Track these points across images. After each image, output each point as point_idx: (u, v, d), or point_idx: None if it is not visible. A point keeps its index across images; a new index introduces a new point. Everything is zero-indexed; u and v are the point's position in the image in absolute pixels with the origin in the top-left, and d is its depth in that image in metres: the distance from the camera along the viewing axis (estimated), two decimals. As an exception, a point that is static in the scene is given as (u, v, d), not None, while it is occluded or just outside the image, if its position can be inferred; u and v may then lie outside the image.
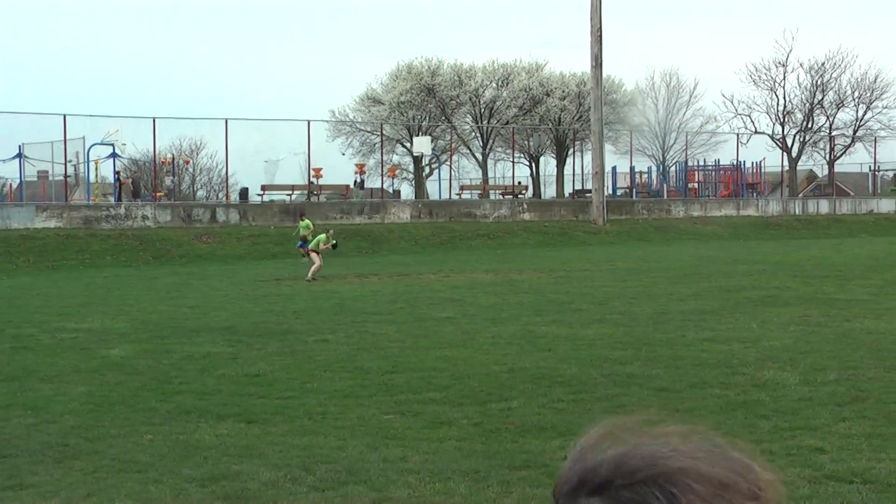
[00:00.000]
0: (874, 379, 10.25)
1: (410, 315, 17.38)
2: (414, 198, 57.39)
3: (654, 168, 64.59)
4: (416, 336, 14.56)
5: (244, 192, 49.89)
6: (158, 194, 47.36)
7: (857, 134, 70.96)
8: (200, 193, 69.31)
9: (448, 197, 54.64)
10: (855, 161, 73.59)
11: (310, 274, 26.90)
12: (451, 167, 59.76)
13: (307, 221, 36.58)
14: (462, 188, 58.29)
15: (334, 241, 28.72)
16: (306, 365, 12.12)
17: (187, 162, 64.16)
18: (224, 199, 51.97)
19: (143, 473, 7.43)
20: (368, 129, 64.52)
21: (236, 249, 38.94)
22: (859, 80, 70.91)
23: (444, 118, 64.73)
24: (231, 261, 36.16)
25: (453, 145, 62.98)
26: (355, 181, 54.46)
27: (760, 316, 15.93)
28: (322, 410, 9.47)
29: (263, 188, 50.04)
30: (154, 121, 45.88)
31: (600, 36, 48.77)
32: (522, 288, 22.61)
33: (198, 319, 17.40)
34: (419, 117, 64.07)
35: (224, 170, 51.46)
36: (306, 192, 50.40)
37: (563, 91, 65.92)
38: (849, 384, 10.00)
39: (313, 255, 28.02)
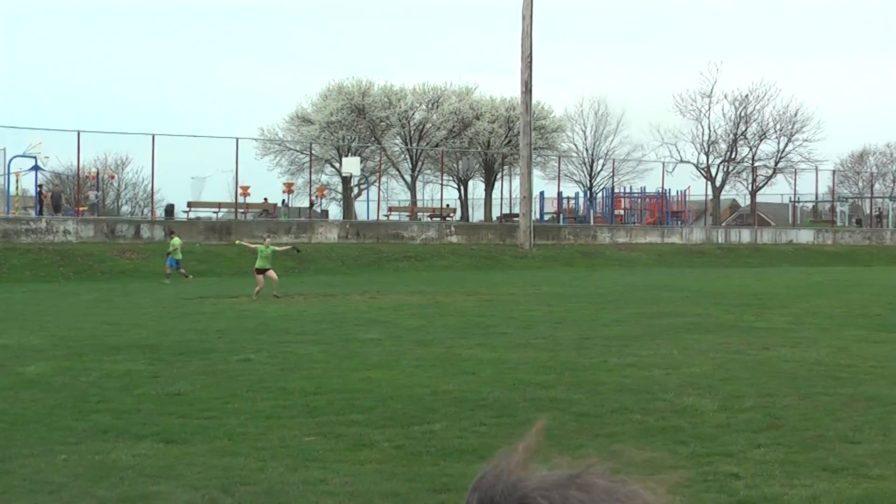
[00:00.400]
0: (789, 406, 10.44)
1: (335, 336, 17.30)
2: (342, 218, 57.28)
3: (581, 194, 65.33)
4: (341, 357, 14.49)
5: (170, 209, 49.36)
6: (81, 209, 46.62)
7: (779, 165, 72.61)
8: (125, 209, 68.48)
9: (376, 218, 54.66)
10: (776, 192, 75.36)
11: (275, 290, 26.60)
12: (379, 188, 59.81)
13: (177, 239, 36.17)
14: (390, 209, 58.36)
15: (293, 248, 28.49)
16: (228, 385, 11.99)
17: (112, 177, 63.36)
18: (149, 214, 51.35)
19: (56, 494, 7.27)
20: (298, 148, 64.31)
21: (160, 266, 38.39)
22: (781, 113, 72.67)
23: (373, 139, 64.79)
24: (155, 278, 35.67)
25: (382, 166, 63.03)
26: (283, 201, 54.27)
27: (682, 343, 16.14)
28: (243, 431, 9.37)
29: (190, 205, 49.57)
30: (79, 134, 45.23)
31: (530, 62, 49.24)
32: (448, 310, 22.65)
33: (119, 337, 17.13)
34: (349, 138, 64.04)
35: (150, 185, 50.90)
36: (233, 209, 50.03)
37: (493, 115, 66.44)
38: (765, 411, 10.17)
39: (259, 276, 27.29)
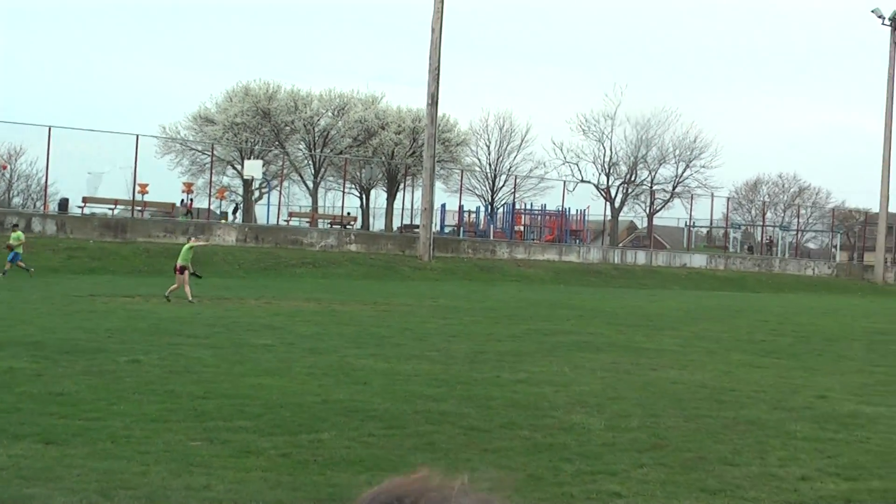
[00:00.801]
0: (673, 427, 10.66)
1: (228, 340, 17.11)
2: (241, 221, 56.66)
3: (482, 208, 65.73)
4: (232, 362, 14.33)
5: (64, 203, 48.19)
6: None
7: (676, 190, 74.11)
8: (16, 201, 66.59)
9: (276, 223, 54.20)
10: (672, 216, 76.85)
11: (189, 296, 25.54)
12: (280, 193, 59.32)
13: (19, 233, 35.36)
14: (290, 215, 57.92)
15: (195, 273, 26.78)
16: (114, 386, 11.76)
17: (4, 167, 61.62)
18: (41, 208, 50.05)
19: (-73, 493, 7.05)
20: (199, 148, 63.40)
21: (51, 262, 37.52)
22: (681, 139, 74.22)
23: (277, 143, 64.24)
24: (45, 273, 34.78)
25: (285, 171, 62.53)
26: (182, 201, 53.52)
27: (573, 360, 16.35)
28: (127, 434, 9.20)
29: (85, 200, 48.50)
30: (-29, 122, 43.88)
31: (438, 74, 49.44)
32: (344, 319, 22.57)
33: (2, 333, 16.65)
34: (252, 140, 63.37)
35: (44, 178, 49.60)
36: (130, 206, 49.11)
37: (399, 126, 66.42)
38: (650, 431, 10.37)
39: (179, 276, 26.21)
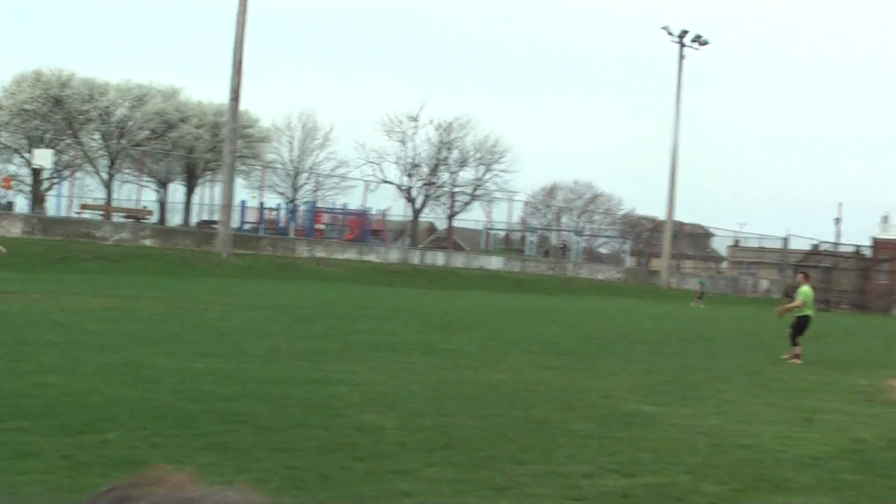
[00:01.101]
0: (464, 427, 10.85)
1: (9, 336, 16.32)
2: (29, 212, 54.23)
3: (283, 206, 65.14)
4: (12, 359, 13.69)
5: None
6: None
7: (476, 193, 75.48)
8: None
9: (67, 214, 52.16)
10: (472, 218, 78.29)
11: None
12: (73, 184, 57.09)
13: None
14: (83, 207, 55.86)
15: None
16: None
17: None
18: None
19: None
20: (-16, 134, 60.28)
21: None
22: (482, 143, 75.64)
23: (70, 132, 61.78)
24: None
25: (77, 161, 60.20)
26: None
27: (369, 360, 16.41)
28: None
29: None
30: None
31: (240, 69, 48.73)
32: (137, 316, 21.93)
33: None
34: (43, 128, 60.72)
35: None
36: None
37: (200, 119, 65.06)
38: (441, 431, 10.51)
39: None
